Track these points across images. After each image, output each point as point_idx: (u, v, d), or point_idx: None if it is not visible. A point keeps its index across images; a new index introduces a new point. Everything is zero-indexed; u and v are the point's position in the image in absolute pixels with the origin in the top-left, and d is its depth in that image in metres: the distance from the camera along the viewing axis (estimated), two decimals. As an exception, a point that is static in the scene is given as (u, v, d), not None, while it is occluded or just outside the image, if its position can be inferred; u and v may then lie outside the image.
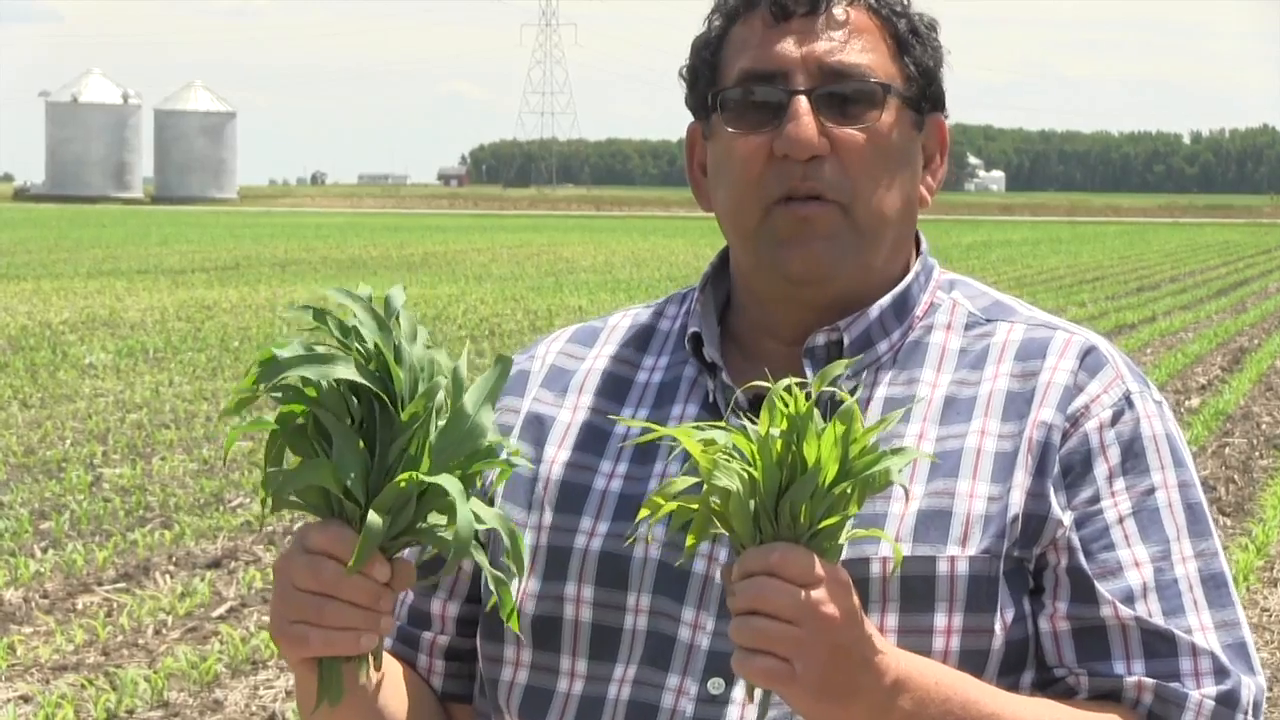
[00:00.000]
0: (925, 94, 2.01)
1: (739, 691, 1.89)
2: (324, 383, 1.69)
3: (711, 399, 2.01)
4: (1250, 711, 1.90)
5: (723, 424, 1.73)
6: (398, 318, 1.72)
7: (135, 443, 12.95)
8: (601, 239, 58.08)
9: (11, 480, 11.39)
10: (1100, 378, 1.97)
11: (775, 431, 1.67)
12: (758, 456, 1.67)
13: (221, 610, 8.28)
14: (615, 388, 2.07)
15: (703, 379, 2.03)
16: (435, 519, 1.71)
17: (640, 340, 2.11)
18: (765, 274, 1.99)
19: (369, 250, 47.63)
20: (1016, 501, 1.90)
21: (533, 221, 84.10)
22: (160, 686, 7.07)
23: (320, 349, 1.71)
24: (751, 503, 1.67)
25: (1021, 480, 1.91)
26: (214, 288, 30.37)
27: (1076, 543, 1.91)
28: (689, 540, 1.72)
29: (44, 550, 9.45)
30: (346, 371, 1.68)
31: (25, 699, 7.05)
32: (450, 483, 1.67)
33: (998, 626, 1.89)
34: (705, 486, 1.68)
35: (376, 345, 1.70)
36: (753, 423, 1.69)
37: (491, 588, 1.73)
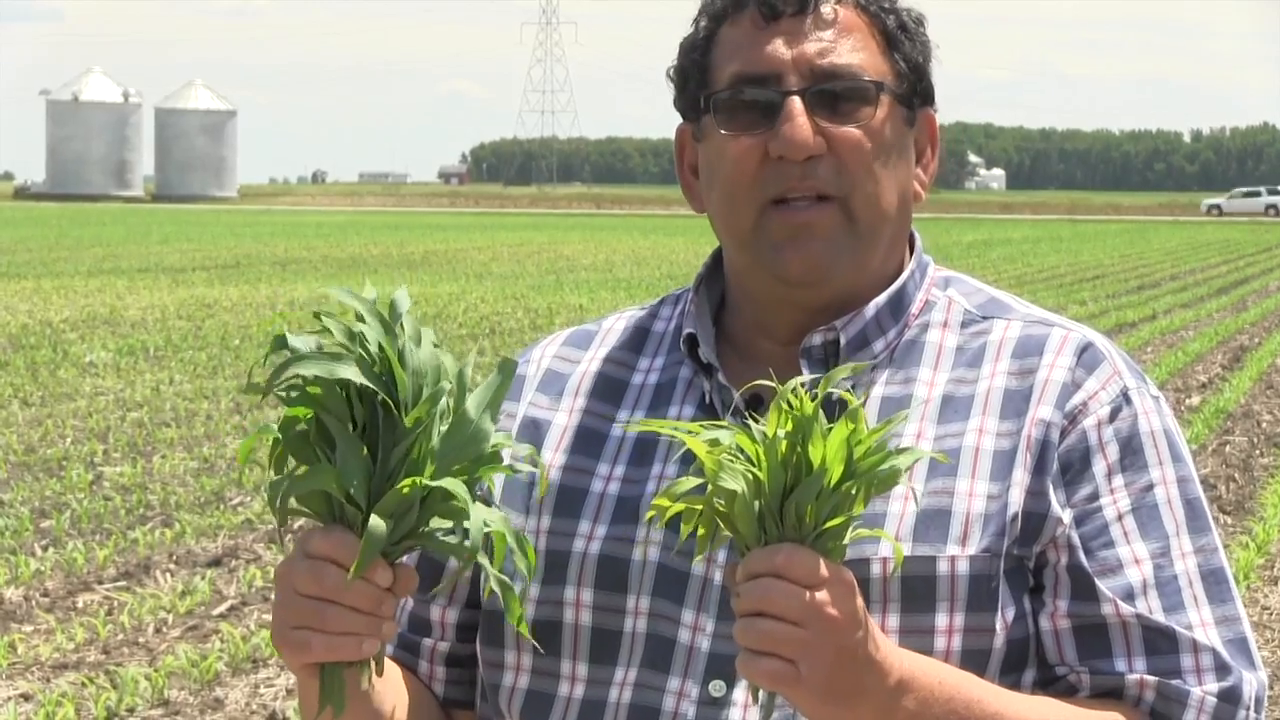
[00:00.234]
0: (915, 89, 2.01)
1: (740, 693, 1.89)
2: (329, 383, 1.69)
3: (708, 400, 2.00)
4: (1252, 707, 1.89)
5: (725, 424, 1.72)
6: (402, 321, 1.72)
7: (136, 441, 12.95)
8: (602, 237, 58.08)
9: (12, 479, 11.39)
10: (1098, 374, 1.96)
11: (780, 432, 1.66)
12: (763, 457, 1.66)
13: (222, 609, 8.28)
14: (611, 390, 2.06)
15: (698, 380, 2.02)
16: (438, 523, 1.71)
17: (635, 342, 2.10)
18: (761, 275, 1.98)
19: (369, 249, 47.64)
20: (1016, 500, 1.90)
21: (533, 220, 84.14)
22: (161, 685, 7.06)
23: (328, 348, 1.70)
24: (756, 504, 1.66)
25: (1020, 478, 1.91)
26: (214, 286, 30.36)
27: (1076, 540, 1.90)
28: (700, 537, 1.71)
29: (44, 549, 9.45)
30: (352, 373, 1.67)
31: (26, 697, 7.05)
32: (459, 487, 1.66)
33: (999, 625, 1.89)
34: (710, 488, 1.68)
35: (381, 348, 1.69)
36: (758, 423, 1.69)
37: (498, 593, 1.72)
